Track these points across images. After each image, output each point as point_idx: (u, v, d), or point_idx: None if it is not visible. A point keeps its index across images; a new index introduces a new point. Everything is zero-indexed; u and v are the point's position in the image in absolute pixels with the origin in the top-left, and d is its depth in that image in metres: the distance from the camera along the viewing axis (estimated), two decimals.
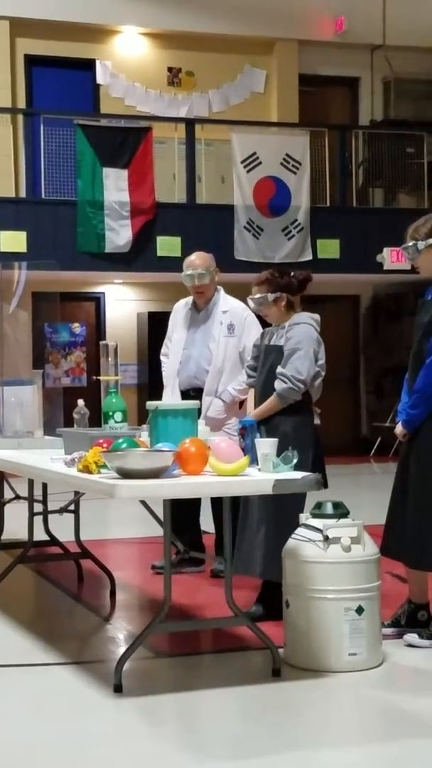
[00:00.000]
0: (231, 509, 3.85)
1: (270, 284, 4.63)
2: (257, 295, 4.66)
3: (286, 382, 4.46)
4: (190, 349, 5.56)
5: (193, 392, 5.48)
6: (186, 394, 5.49)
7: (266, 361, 4.63)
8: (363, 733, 3.30)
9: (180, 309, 5.73)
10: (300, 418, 4.54)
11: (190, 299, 5.69)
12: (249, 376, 4.83)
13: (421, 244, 4.18)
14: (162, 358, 5.76)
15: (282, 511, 4.30)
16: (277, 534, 4.25)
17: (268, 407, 4.55)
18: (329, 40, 13.25)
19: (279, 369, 4.51)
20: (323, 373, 4.58)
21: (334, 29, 13.22)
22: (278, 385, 4.49)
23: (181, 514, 5.48)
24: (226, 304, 5.59)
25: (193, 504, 5.26)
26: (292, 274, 4.67)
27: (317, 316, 4.63)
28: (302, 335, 4.53)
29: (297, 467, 4.18)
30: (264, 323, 4.94)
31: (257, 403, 4.65)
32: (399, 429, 4.24)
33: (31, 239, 10.89)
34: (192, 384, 5.53)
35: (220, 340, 5.48)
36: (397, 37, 13.19)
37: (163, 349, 5.77)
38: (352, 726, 3.35)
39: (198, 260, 5.58)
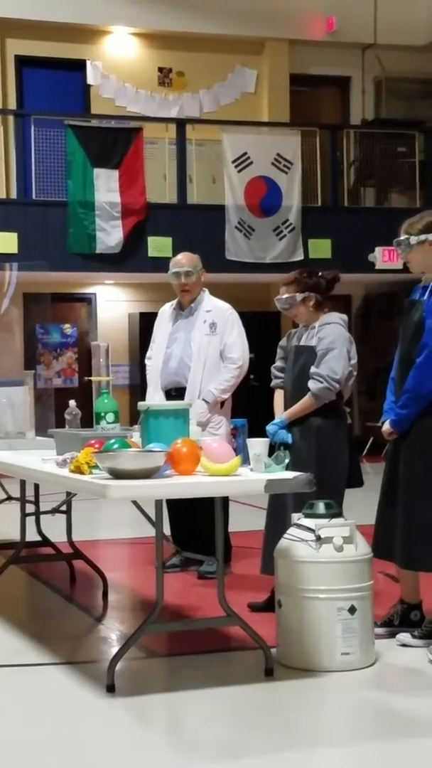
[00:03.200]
0: (223, 510, 3.85)
1: (298, 284, 4.61)
2: (285, 296, 4.63)
3: (321, 382, 4.44)
4: (173, 348, 5.57)
5: (174, 392, 5.49)
6: (168, 394, 5.50)
7: (297, 362, 4.60)
8: (356, 732, 3.30)
9: (165, 311, 5.76)
10: (334, 417, 4.54)
11: (175, 302, 5.71)
12: (275, 377, 4.80)
13: (413, 240, 4.19)
14: (146, 362, 5.77)
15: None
16: None
17: (302, 407, 4.52)
18: (320, 40, 13.25)
19: (313, 369, 4.48)
20: (355, 373, 4.58)
21: (325, 29, 13.22)
22: (314, 385, 4.46)
23: (182, 517, 5.50)
24: (210, 304, 5.61)
25: (195, 506, 5.20)
26: (320, 274, 4.67)
27: (345, 316, 4.64)
28: (335, 335, 4.52)
29: (335, 465, 4.19)
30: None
31: (287, 404, 4.63)
32: (386, 428, 4.25)
33: (22, 240, 10.87)
34: (173, 382, 5.53)
35: (201, 339, 5.50)
36: (388, 36, 13.21)
37: (148, 353, 5.78)
38: (345, 726, 3.36)
39: (184, 259, 5.61)
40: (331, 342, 4.50)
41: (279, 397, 4.75)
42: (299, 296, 4.59)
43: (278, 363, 4.79)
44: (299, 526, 3.92)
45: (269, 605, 4.39)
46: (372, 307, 13.72)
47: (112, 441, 3.86)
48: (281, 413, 4.62)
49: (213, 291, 5.76)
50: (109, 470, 3.59)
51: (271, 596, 4.37)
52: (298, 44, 13.22)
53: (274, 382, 4.80)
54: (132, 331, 12.77)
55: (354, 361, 4.57)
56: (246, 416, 4.54)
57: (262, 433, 4.29)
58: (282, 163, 11.85)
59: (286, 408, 4.63)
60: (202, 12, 12.61)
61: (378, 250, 11.87)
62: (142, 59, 12.89)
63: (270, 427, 4.55)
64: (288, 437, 4.51)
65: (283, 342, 4.80)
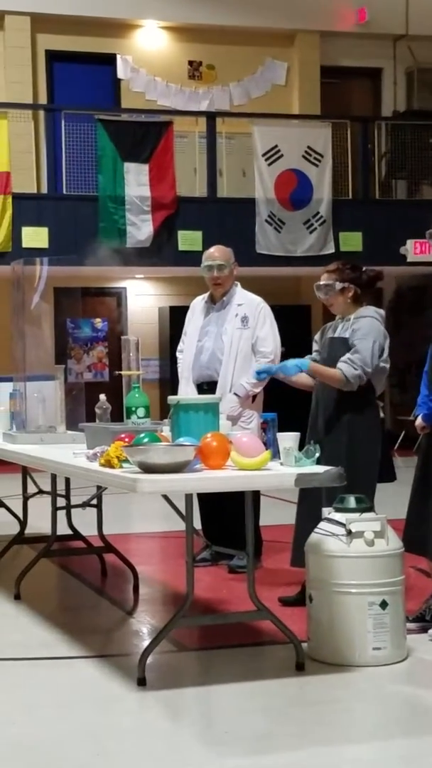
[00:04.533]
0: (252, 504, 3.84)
1: (340, 274, 4.60)
2: (324, 282, 4.62)
3: (356, 369, 4.41)
4: (204, 341, 5.57)
5: (206, 386, 5.48)
6: (199, 388, 5.49)
7: (331, 353, 4.57)
8: (387, 728, 3.28)
9: (197, 304, 5.75)
10: (367, 411, 4.52)
11: (207, 295, 5.70)
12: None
13: None
14: (178, 354, 5.77)
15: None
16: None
17: (328, 375, 4.47)
18: (351, 31, 13.17)
19: (347, 355, 4.44)
20: (387, 368, 4.55)
21: (356, 20, 13.14)
22: (348, 369, 4.41)
23: (212, 511, 5.50)
24: (242, 297, 5.59)
25: (226, 500, 5.19)
26: (364, 269, 4.65)
27: (382, 311, 4.61)
28: (369, 327, 4.49)
29: (367, 459, 4.18)
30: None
31: (320, 396, 4.60)
32: (419, 422, 4.22)
33: (52, 235, 10.91)
34: (205, 376, 5.52)
35: (233, 333, 5.48)
36: (420, 26, 13.09)
37: (179, 346, 5.78)
38: (376, 721, 3.34)
39: (217, 252, 5.60)
40: (365, 334, 4.47)
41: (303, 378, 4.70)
42: (338, 285, 4.58)
43: (313, 356, 4.76)
44: (330, 520, 3.91)
45: (300, 599, 4.38)
46: (403, 300, 13.64)
47: (143, 435, 3.86)
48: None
49: (243, 284, 5.74)
50: (139, 464, 3.59)
51: (302, 590, 4.36)
52: (329, 36, 13.15)
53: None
54: (162, 325, 12.78)
55: (386, 356, 4.53)
56: (276, 410, 4.52)
57: (292, 427, 4.27)
58: (313, 156, 11.79)
59: (319, 404, 4.59)
60: (232, 5, 12.57)
61: (409, 242, 11.78)
62: (172, 53, 12.88)
63: (292, 360, 4.50)
64: (291, 370, 4.46)
65: (317, 336, 4.78)
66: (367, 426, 4.51)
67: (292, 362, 4.49)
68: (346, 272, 4.60)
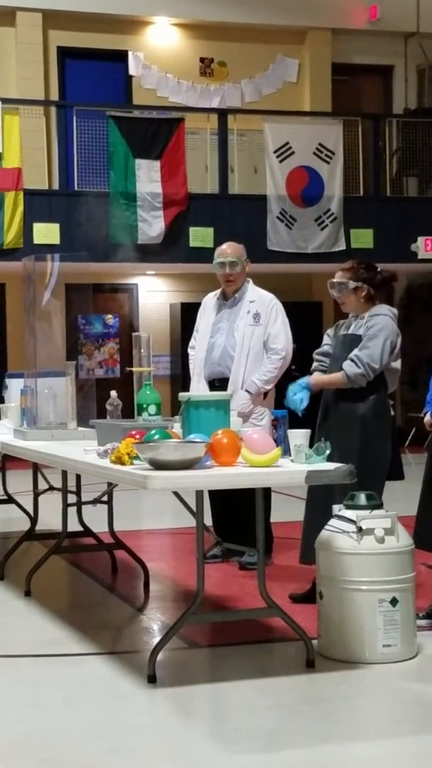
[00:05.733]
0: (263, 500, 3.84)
1: (354, 273, 4.60)
2: (337, 279, 4.62)
3: (359, 367, 4.43)
4: (216, 338, 5.57)
5: (218, 382, 5.49)
6: (211, 385, 5.50)
7: (343, 350, 4.58)
8: (397, 725, 3.28)
9: (209, 301, 5.75)
10: (378, 408, 4.52)
11: (218, 291, 5.70)
12: (317, 360, 4.77)
13: None
14: (189, 351, 5.77)
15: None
16: None
17: (331, 381, 4.51)
18: (362, 29, 13.15)
19: (355, 352, 4.47)
20: (399, 368, 4.54)
21: (367, 17, 13.11)
22: (350, 368, 4.45)
23: (223, 508, 5.50)
24: (254, 294, 5.59)
25: (236, 497, 5.19)
26: (378, 269, 4.65)
27: (395, 310, 4.62)
28: (383, 325, 4.50)
29: (377, 456, 4.17)
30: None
31: (328, 396, 4.60)
32: (428, 419, 4.22)
33: (64, 231, 10.92)
34: (216, 372, 5.53)
35: (245, 330, 5.48)
36: (431, 24, 13.06)
37: (191, 342, 5.78)
38: (386, 718, 3.34)
39: (229, 249, 5.60)
40: (377, 331, 4.48)
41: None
42: (351, 284, 4.58)
43: (323, 348, 4.76)
44: (340, 517, 3.91)
45: (310, 596, 4.38)
46: (414, 298, 13.61)
47: (153, 432, 3.86)
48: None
49: (254, 281, 5.74)
50: (149, 461, 3.60)
51: (313, 587, 4.36)
52: (341, 33, 13.12)
53: (314, 365, 4.78)
54: (173, 321, 12.78)
55: (398, 355, 4.52)
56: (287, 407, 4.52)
57: (303, 425, 4.27)
58: (324, 153, 11.78)
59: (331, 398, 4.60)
60: (244, 2, 12.55)
61: (420, 239, 11.76)
62: (183, 49, 12.88)
63: (292, 386, 4.51)
64: (299, 405, 4.47)
65: (330, 331, 4.78)
66: (378, 422, 4.50)
67: (292, 392, 4.51)
68: (360, 272, 4.59)
